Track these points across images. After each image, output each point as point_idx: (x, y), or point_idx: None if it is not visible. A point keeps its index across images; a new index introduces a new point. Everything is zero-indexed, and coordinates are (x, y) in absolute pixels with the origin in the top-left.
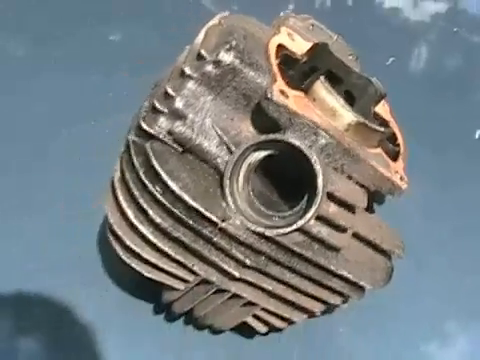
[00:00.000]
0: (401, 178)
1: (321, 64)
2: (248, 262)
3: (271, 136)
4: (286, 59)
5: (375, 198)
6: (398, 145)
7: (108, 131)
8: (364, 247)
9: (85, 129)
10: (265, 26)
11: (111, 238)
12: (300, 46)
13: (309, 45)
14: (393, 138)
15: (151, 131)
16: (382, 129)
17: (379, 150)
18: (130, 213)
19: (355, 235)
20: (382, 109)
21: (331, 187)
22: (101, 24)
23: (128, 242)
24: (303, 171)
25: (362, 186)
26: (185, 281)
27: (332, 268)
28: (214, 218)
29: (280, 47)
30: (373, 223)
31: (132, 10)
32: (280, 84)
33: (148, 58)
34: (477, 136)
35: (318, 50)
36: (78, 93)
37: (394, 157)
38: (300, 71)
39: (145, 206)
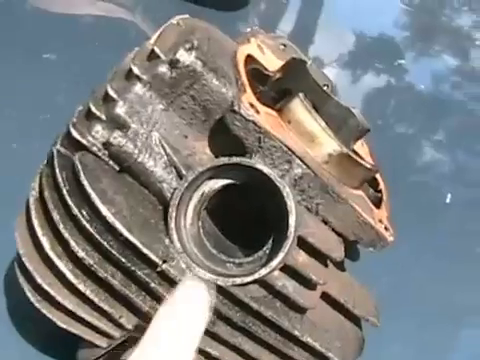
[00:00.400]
0: (386, 228)
1: (295, 85)
2: None
3: (234, 160)
4: (255, 74)
5: (349, 252)
6: (380, 191)
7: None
8: (333, 311)
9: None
10: (229, 38)
11: (19, 274)
12: (271, 61)
13: (281, 63)
14: (374, 183)
15: (82, 141)
16: (369, 165)
17: (361, 192)
18: (46, 242)
19: (324, 295)
20: (361, 149)
21: (304, 231)
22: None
23: (39, 280)
24: (270, 207)
25: (339, 234)
26: (109, 337)
27: (296, 333)
28: (153, 257)
29: (249, 59)
30: (345, 282)
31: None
32: (250, 96)
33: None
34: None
35: (294, 67)
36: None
37: (376, 204)
38: (272, 89)
39: (66, 235)
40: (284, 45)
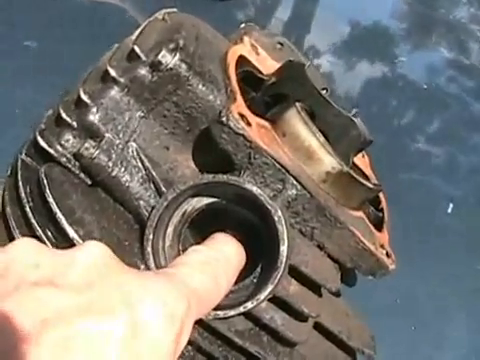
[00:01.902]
0: (388, 254)
1: (291, 90)
2: None
3: (220, 177)
4: (247, 77)
5: (345, 277)
6: (381, 210)
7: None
8: (326, 342)
9: None
10: (221, 36)
11: None
12: (266, 63)
13: (277, 65)
14: (375, 200)
15: (50, 150)
16: (371, 185)
17: (361, 214)
18: None
19: (316, 325)
20: (361, 161)
21: (296, 258)
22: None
23: None
24: (259, 231)
25: (335, 260)
26: None
27: None
28: None
29: (241, 60)
30: (339, 311)
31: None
32: (240, 105)
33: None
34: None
35: (291, 71)
36: None
37: (377, 226)
38: (265, 94)
39: None
40: (281, 44)
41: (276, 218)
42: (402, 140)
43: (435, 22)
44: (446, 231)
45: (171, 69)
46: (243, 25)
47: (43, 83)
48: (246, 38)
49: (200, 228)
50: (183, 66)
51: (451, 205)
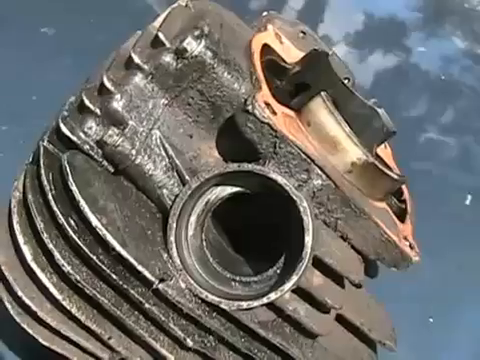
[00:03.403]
0: (411, 246)
1: (315, 79)
2: (190, 342)
3: (245, 166)
4: (271, 66)
5: (367, 269)
6: (404, 201)
7: (23, 142)
8: (347, 334)
9: None
10: (244, 24)
11: None
12: (289, 52)
13: (301, 54)
14: (398, 192)
15: (72, 137)
16: (396, 176)
17: (384, 205)
18: (28, 252)
19: (338, 317)
20: (383, 152)
21: (320, 249)
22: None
23: (20, 292)
24: (283, 221)
25: (358, 252)
26: (97, 358)
27: None
28: (149, 276)
29: (265, 48)
30: (361, 303)
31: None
32: (266, 94)
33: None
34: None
35: (315, 60)
36: None
37: (400, 217)
38: (289, 83)
39: (50, 245)
40: (303, 33)
41: (301, 208)
42: (415, 130)
43: (449, 11)
44: (463, 221)
45: (196, 56)
46: (265, 13)
47: (60, 70)
48: (270, 26)
49: (222, 218)
50: (208, 53)
51: (469, 197)
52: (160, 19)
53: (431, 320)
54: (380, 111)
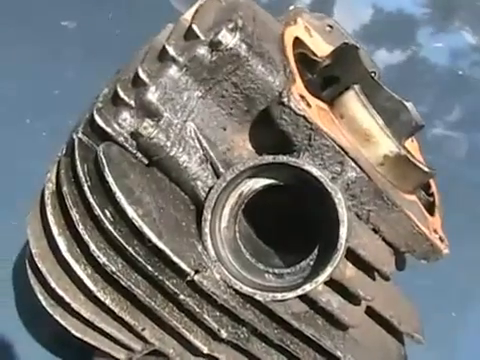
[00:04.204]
0: (441, 239)
1: (345, 73)
2: (224, 334)
3: (280, 158)
4: (301, 59)
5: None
6: (432, 195)
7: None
8: (376, 326)
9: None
10: (272, 17)
11: (30, 274)
12: (319, 46)
13: (329, 48)
14: (426, 185)
15: (107, 129)
16: (427, 169)
17: (414, 198)
18: (62, 243)
19: (368, 309)
20: (410, 145)
21: (353, 241)
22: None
23: (53, 284)
24: (316, 212)
25: (389, 244)
26: (129, 349)
27: (338, 354)
28: (184, 266)
29: (296, 41)
30: (390, 295)
31: None
32: (300, 87)
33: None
34: None
35: (345, 53)
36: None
37: (428, 210)
38: (320, 77)
39: (86, 237)
40: (330, 27)
41: (336, 200)
42: (425, 125)
43: (458, 6)
44: (471, 215)
45: (231, 49)
46: (292, 7)
47: (82, 64)
48: (300, 20)
49: (256, 210)
50: (243, 46)
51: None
52: (191, 11)
53: (454, 314)
54: (408, 105)
